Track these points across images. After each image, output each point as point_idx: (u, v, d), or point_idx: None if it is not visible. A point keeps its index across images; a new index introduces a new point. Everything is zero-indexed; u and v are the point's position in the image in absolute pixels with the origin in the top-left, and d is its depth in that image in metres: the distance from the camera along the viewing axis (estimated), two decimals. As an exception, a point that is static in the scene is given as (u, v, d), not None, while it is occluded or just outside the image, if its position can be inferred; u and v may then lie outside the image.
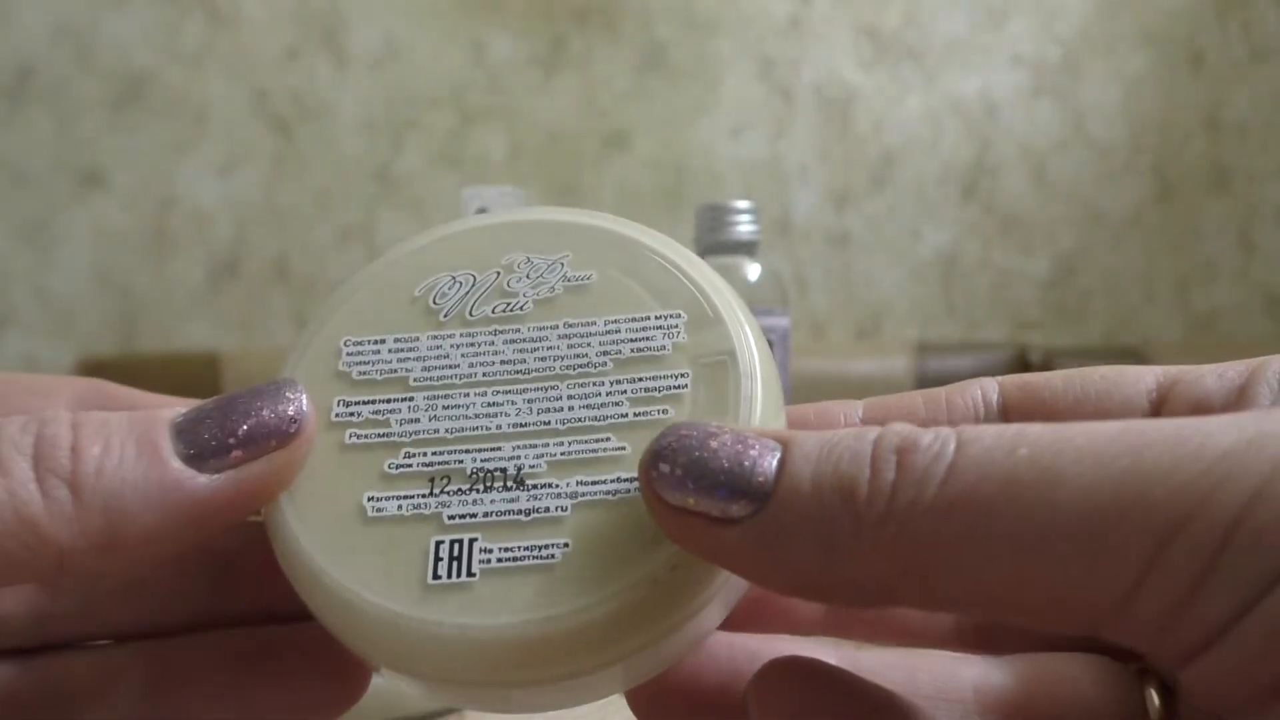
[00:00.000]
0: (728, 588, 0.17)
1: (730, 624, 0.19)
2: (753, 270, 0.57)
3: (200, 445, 0.17)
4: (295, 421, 0.17)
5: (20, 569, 0.16)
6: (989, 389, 0.19)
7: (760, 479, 0.15)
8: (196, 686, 0.19)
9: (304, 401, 0.18)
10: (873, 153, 1.53)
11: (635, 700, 0.19)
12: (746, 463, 0.15)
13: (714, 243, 0.57)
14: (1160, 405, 0.18)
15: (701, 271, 0.20)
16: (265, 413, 0.17)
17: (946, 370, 1.35)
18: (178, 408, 0.17)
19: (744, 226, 0.57)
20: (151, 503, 0.16)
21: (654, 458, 0.16)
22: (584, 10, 1.48)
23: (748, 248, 0.57)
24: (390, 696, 0.33)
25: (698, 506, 0.15)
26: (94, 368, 1.30)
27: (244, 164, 1.42)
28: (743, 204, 0.57)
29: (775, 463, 0.15)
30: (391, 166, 1.45)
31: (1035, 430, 0.14)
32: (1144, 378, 0.18)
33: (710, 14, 1.50)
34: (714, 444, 0.15)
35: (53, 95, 1.36)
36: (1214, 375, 0.17)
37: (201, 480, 0.16)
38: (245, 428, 0.17)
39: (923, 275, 1.55)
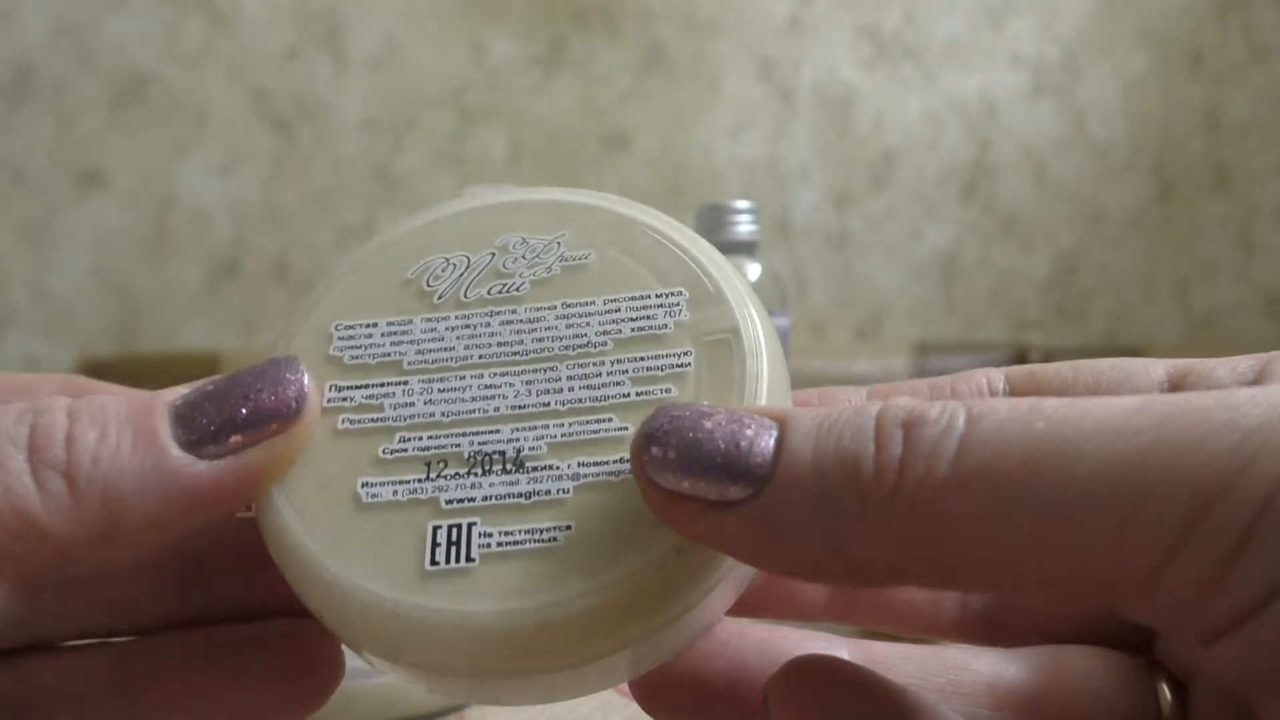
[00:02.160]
0: (736, 573, 0.17)
1: (733, 609, 0.18)
2: (753, 270, 0.57)
3: (199, 431, 0.16)
4: (297, 403, 0.17)
5: (22, 562, 0.15)
6: (994, 378, 0.18)
7: (757, 459, 0.14)
8: (165, 687, 0.19)
9: (305, 382, 0.17)
10: (873, 153, 1.53)
11: (640, 690, 0.19)
12: (743, 443, 0.14)
13: (714, 243, 0.56)
14: None
15: (702, 249, 0.19)
16: (265, 395, 0.17)
17: (947, 370, 1.34)
18: (179, 389, 0.17)
19: (744, 226, 0.57)
20: (149, 492, 0.16)
21: (646, 441, 0.15)
22: (584, 10, 1.48)
23: (748, 248, 0.57)
24: (390, 696, 0.33)
25: (693, 490, 0.14)
26: (94, 368, 1.30)
27: (244, 164, 1.41)
28: (743, 204, 0.57)
29: (773, 442, 0.14)
30: (391, 166, 1.45)
31: (1051, 404, 0.13)
32: (1154, 369, 0.17)
33: (710, 14, 1.50)
34: (708, 424, 0.15)
35: (53, 95, 1.36)
36: (1226, 368, 0.17)
37: (200, 467, 0.16)
38: (245, 412, 0.16)
39: (923, 275, 1.55)
